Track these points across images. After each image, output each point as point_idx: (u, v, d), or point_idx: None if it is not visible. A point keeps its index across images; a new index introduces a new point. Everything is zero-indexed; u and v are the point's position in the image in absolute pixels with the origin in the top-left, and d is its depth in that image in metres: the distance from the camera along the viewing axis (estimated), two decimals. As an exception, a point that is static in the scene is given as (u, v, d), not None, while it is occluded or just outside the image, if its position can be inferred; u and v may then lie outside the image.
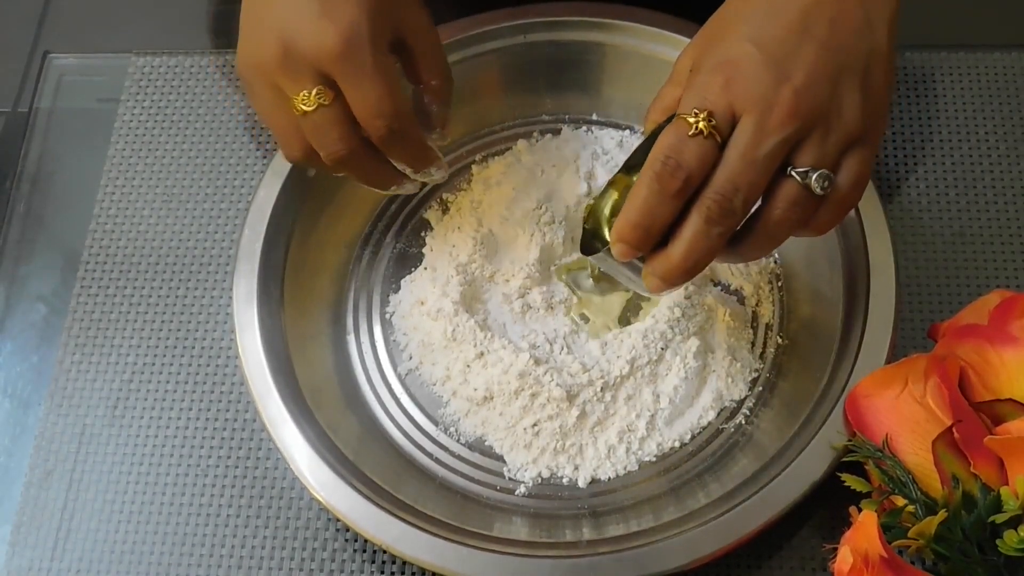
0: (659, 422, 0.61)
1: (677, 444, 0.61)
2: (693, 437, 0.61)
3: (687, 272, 0.50)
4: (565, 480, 0.60)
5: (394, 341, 0.65)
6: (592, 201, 0.55)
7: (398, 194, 0.65)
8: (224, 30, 0.78)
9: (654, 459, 0.60)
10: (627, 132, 0.70)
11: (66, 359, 0.65)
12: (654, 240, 0.50)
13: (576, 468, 0.60)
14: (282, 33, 0.53)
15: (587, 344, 0.63)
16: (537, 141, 0.70)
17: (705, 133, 0.48)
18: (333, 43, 0.52)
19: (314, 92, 0.53)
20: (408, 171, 0.59)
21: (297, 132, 0.55)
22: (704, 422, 0.61)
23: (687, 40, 0.66)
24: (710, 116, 0.48)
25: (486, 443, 0.61)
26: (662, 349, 0.61)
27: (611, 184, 0.55)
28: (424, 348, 0.64)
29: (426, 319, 0.64)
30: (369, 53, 0.53)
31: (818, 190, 0.49)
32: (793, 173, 0.49)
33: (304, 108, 0.53)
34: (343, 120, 0.54)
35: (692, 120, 0.48)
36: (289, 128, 0.55)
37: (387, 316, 0.66)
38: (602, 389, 0.60)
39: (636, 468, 0.60)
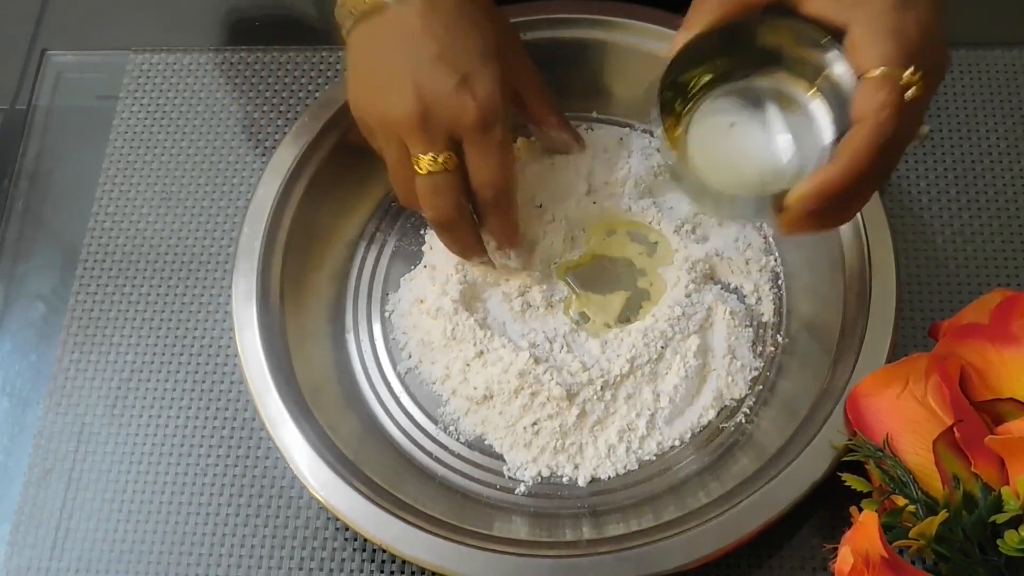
0: (659, 421, 0.61)
1: (677, 443, 0.61)
2: (693, 436, 0.61)
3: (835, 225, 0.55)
4: (565, 479, 0.60)
5: (393, 340, 0.65)
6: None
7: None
8: (222, 26, 0.78)
9: (654, 458, 0.60)
10: (627, 130, 0.70)
11: (65, 357, 0.65)
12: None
13: (576, 467, 0.60)
14: (422, 98, 0.55)
15: (587, 343, 0.63)
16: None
17: (915, 91, 0.49)
18: (472, 117, 0.56)
19: (441, 157, 0.56)
20: (492, 247, 0.62)
21: (411, 184, 0.58)
22: (704, 421, 0.61)
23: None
24: (916, 70, 0.49)
25: (486, 442, 0.61)
26: (662, 348, 0.61)
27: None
28: (423, 347, 0.64)
29: (425, 318, 0.64)
30: (500, 127, 0.57)
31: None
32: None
33: (428, 168, 0.56)
34: (459, 187, 0.57)
35: (907, 76, 0.48)
36: (406, 179, 0.58)
37: (386, 315, 0.66)
38: (602, 388, 0.60)
39: (636, 467, 0.60)
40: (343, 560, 0.59)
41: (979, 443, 0.50)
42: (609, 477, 0.60)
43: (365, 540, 0.59)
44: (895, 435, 0.53)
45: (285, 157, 0.65)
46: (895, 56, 0.48)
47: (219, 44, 0.75)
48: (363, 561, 0.59)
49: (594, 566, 0.53)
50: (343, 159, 0.66)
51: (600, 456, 0.60)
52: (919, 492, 0.51)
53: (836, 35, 0.51)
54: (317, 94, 0.72)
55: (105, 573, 0.59)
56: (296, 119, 0.68)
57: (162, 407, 0.63)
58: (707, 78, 0.55)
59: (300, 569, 0.59)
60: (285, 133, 0.66)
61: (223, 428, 0.63)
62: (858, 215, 0.61)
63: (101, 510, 0.61)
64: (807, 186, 0.50)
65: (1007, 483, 0.50)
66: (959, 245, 0.66)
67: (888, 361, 0.57)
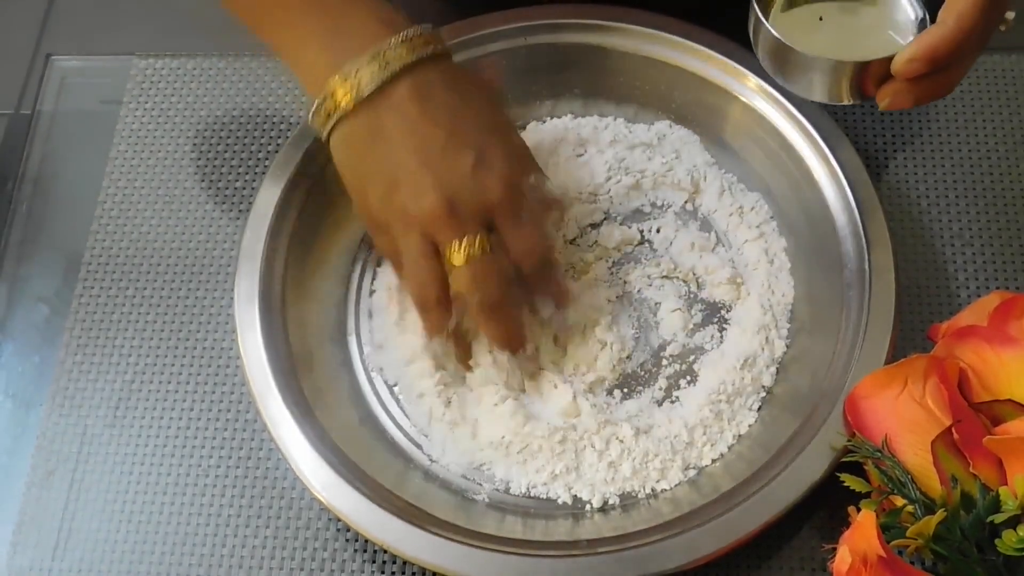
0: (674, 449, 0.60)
1: (681, 478, 0.60)
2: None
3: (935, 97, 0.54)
4: (560, 501, 0.59)
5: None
6: None
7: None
8: (226, 32, 0.78)
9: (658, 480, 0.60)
10: (626, 130, 0.70)
11: (68, 360, 0.65)
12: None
13: (569, 488, 0.59)
14: (443, 187, 0.55)
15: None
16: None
17: None
18: (498, 194, 0.56)
19: (478, 240, 0.56)
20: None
21: (438, 280, 0.57)
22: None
23: (686, 43, 0.67)
24: None
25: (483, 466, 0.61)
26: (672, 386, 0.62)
27: None
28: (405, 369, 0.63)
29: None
30: (523, 196, 0.57)
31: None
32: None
33: (467, 255, 0.56)
34: (502, 268, 0.57)
35: None
36: (431, 274, 0.57)
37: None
38: (604, 423, 0.60)
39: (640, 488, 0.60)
40: (344, 561, 0.59)
41: (977, 444, 0.50)
42: (610, 492, 0.59)
43: (367, 541, 0.59)
44: (894, 436, 0.53)
45: (288, 161, 0.65)
46: None
47: (223, 49, 0.76)
48: (364, 562, 0.59)
49: (594, 566, 0.53)
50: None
51: (601, 477, 0.59)
52: (918, 492, 0.51)
53: None
54: (319, 98, 0.73)
55: (107, 574, 0.60)
56: (299, 124, 0.69)
57: (164, 409, 0.64)
58: None
59: (301, 570, 0.59)
60: (287, 137, 0.67)
61: (225, 430, 0.63)
62: (859, 216, 0.61)
63: (103, 511, 0.61)
64: (916, 47, 0.51)
65: (1005, 483, 0.50)
66: (958, 248, 0.66)
67: (887, 362, 0.57)
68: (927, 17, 0.56)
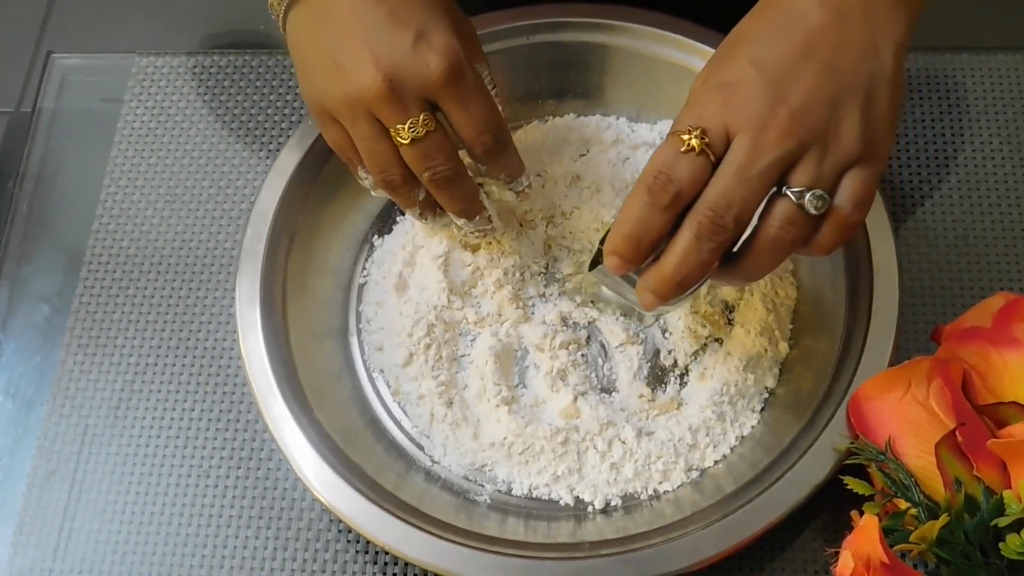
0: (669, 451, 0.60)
1: (684, 478, 0.60)
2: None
3: (677, 286, 0.51)
4: (562, 503, 0.59)
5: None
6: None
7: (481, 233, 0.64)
8: (226, 30, 0.78)
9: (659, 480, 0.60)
10: (628, 130, 0.70)
11: (69, 359, 0.65)
12: (645, 253, 0.51)
13: (571, 489, 0.59)
14: (382, 66, 0.53)
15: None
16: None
17: (697, 150, 0.49)
18: (439, 70, 0.53)
19: (421, 119, 0.54)
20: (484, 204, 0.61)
21: (395, 160, 0.56)
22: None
23: (689, 41, 0.67)
24: (704, 133, 0.49)
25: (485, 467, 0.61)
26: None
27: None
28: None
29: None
30: (469, 73, 0.55)
31: (812, 210, 0.49)
32: (788, 192, 0.49)
33: (412, 135, 0.54)
34: (448, 143, 0.56)
35: (685, 137, 0.49)
36: (389, 157, 0.56)
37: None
38: (606, 424, 0.60)
39: (643, 489, 0.60)
40: (345, 562, 0.59)
41: (981, 446, 0.50)
42: (612, 493, 0.59)
43: (368, 542, 0.59)
44: (897, 438, 0.53)
45: (288, 160, 0.65)
46: (696, 113, 0.50)
47: (223, 48, 0.76)
48: (365, 563, 0.59)
49: (596, 568, 0.53)
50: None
51: (603, 479, 0.59)
52: (921, 495, 0.51)
53: None
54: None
55: (108, 574, 0.59)
56: (299, 122, 0.68)
57: (165, 409, 0.64)
58: None
59: (303, 571, 0.59)
60: (288, 136, 0.67)
61: (226, 430, 0.63)
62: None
63: (104, 511, 0.61)
64: (608, 241, 0.51)
65: (1009, 486, 0.49)
66: (962, 250, 0.66)
67: (890, 365, 0.57)
68: None
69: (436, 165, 0.56)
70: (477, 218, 0.60)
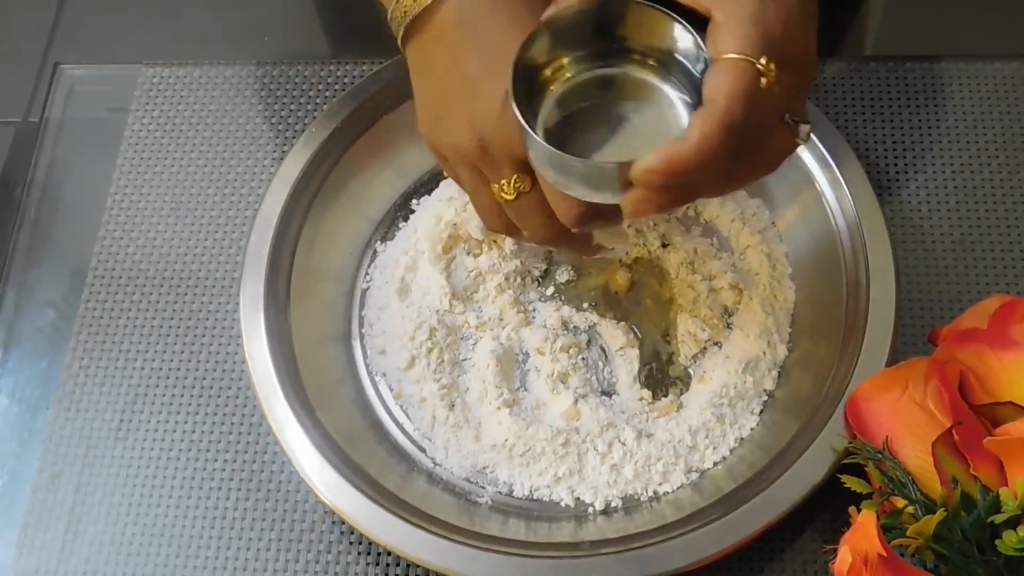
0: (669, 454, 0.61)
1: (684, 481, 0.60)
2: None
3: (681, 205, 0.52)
4: (563, 504, 0.60)
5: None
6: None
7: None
8: (231, 41, 0.79)
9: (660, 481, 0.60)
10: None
11: (74, 364, 0.66)
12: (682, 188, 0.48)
13: (572, 491, 0.60)
14: (476, 127, 0.52)
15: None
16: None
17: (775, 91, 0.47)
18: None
19: (512, 182, 0.53)
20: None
21: (499, 210, 0.55)
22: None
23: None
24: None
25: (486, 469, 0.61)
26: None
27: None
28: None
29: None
30: None
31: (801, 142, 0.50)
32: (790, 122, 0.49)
33: (505, 197, 0.54)
34: (543, 205, 0.54)
35: (761, 66, 0.47)
36: (492, 207, 0.56)
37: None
38: (606, 425, 0.60)
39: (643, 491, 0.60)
40: (348, 563, 0.59)
41: (978, 445, 0.51)
42: (612, 495, 0.60)
43: (370, 543, 0.59)
44: (895, 438, 0.53)
45: (292, 167, 0.66)
46: (751, 43, 0.47)
47: (229, 58, 0.76)
48: (368, 564, 0.59)
49: (596, 567, 0.54)
50: (349, 169, 0.67)
51: (604, 480, 0.60)
52: (918, 493, 0.51)
53: (702, 22, 0.49)
54: (324, 107, 0.73)
55: (112, 576, 0.60)
56: (303, 131, 0.69)
57: (170, 412, 0.64)
58: (565, 61, 0.53)
59: (306, 572, 0.59)
60: (292, 144, 0.67)
61: (230, 433, 0.63)
62: (859, 222, 0.62)
63: (109, 514, 0.61)
64: (653, 158, 0.46)
65: (1005, 484, 0.50)
66: (959, 254, 0.67)
67: (888, 366, 0.58)
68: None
69: (533, 227, 0.55)
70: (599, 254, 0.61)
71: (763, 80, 0.47)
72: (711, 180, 0.49)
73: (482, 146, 0.52)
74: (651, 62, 0.52)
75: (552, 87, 0.53)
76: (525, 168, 0.53)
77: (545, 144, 0.48)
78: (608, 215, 0.53)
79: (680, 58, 0.51)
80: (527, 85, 0.51)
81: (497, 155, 0.53)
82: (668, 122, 0.51)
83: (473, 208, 0.57)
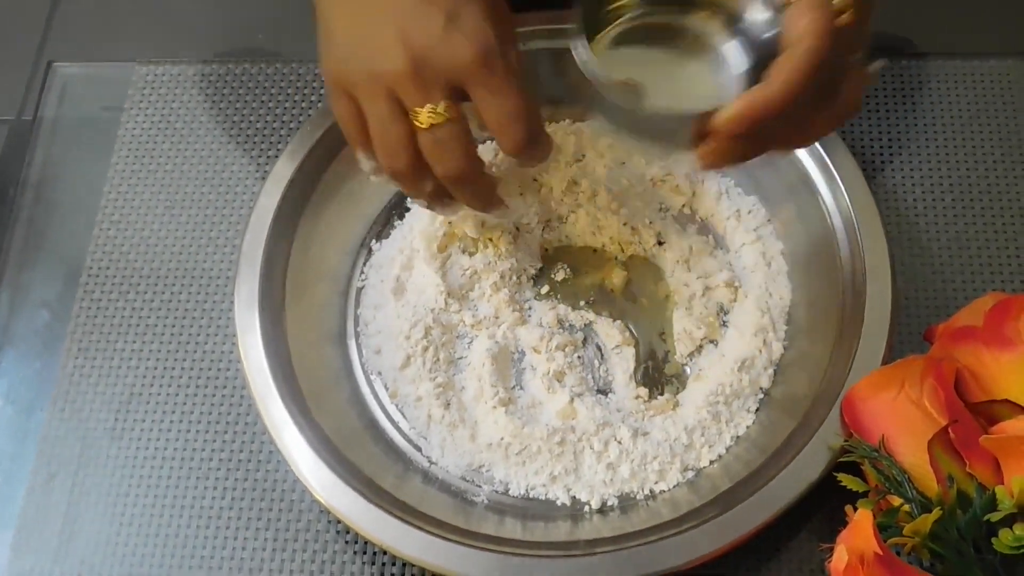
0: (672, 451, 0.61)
1: (680, 479, 0.60)
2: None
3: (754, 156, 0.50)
4: (559, 503, 0.60)
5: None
6: None
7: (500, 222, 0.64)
8: (225, 39, 0.79)
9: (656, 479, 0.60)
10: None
11: (69, 364, 0.66)
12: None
13: (568, 489, 0.60)
14: (410, 45, 0.51)
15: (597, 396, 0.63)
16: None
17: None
18: (467, 55, 0.51)
19: (442, 106, 0.52)
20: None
21: (408, 146, 0.53)
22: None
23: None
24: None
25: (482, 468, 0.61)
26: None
27: None
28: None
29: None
30: (501, 62, 0.52)
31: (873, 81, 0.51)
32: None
33: (430, 121, 0.52)
34: (467, 136, 0.53)
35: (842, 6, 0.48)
36: (400, 141, 0.53)
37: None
38: (602, 425, 0.60)
39: (639, 490, 0.60)
40: (344, 563, 0.59)
41: (974, 443, 0.51)
42: (608, 493, 0.60)
43: (366, 543, 0.59)
44: (891, 436, 0.53)
45: (287, 166, 0.66)
46: None
47: (223, 57, 0.76)
48: (364, 564, 0.59)
49: (592, 566, 0.54)
50: (343, 167, 0.67)
51: (600, 479, 0.60)
52: (914, 492, 0.52)
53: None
54: (318, 105, 0.73)
55: (108, 577, 0.60)
56: (297, 129, 0.69)
57: (165, 412, 0.64)
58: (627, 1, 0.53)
59: (302, 572, 0.59)
60: (287, 143, 0.67)
61: (225, 432, 0.63)
62: (855, 221, 0.62)
63: (104, 515, 0.61)
64: (737, 106, 0.47)
65: (1001, 482, 0.50)
66: (954, 252, 0.67)
67: (884, 364, 0.58)
68: (756, 70, 0.50)
69: (450, 158, 0.53)
70: (494, 209, 0.59)
71: (840, 18, 0.47)
72: (791, 126, 0.49)
73: (416, 66, 0.51)
74: (714, 20, 0.53)
75: (609, 28, 0.53)
76: (456, 94, 0.52)
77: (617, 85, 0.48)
78: (545, 143, 0.54)
79: (745, 19, 0.51)
80: (588, 19, 0.51)
81: (432, 76, 0.51)
82: (719, 80, 0.52)
83: (377, 146, 0.54)
